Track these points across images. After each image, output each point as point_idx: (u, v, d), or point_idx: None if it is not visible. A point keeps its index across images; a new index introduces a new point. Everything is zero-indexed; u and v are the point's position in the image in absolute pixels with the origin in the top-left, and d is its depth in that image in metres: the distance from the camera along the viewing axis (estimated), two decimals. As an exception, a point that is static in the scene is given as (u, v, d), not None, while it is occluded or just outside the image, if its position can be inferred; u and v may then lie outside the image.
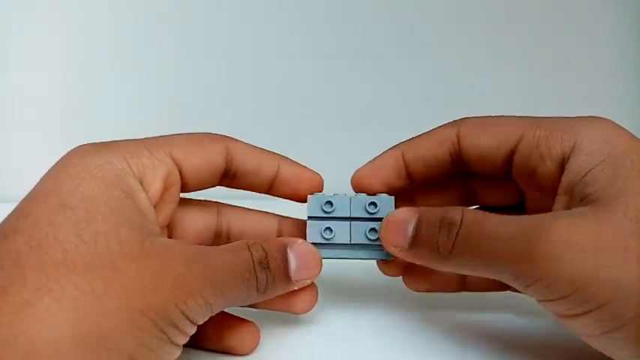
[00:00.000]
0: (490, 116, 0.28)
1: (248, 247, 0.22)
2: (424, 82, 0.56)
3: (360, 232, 0.27)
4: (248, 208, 0.29)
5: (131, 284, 0.19)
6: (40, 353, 0.16)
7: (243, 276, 0.21)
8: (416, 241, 0.24)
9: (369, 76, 0.55)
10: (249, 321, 0.26)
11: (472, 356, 0.25)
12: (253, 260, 0.22)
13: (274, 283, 0.23)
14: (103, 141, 0.24)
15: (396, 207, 0.27)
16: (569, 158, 0.24)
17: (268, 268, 0.22)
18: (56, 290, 0.17)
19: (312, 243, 0.27)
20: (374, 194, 0.27)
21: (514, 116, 0.27)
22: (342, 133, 0.56)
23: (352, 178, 0.28)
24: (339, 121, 0.56)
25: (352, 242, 0.27)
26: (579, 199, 0.22)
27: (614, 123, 0.25)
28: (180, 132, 0.26)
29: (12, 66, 0.54)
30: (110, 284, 0.19)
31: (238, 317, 0.26)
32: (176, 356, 0.21)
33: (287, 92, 0.56)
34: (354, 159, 0.55)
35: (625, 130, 0.24)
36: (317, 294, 0.27)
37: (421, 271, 0.28)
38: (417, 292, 0.29)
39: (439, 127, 0.28)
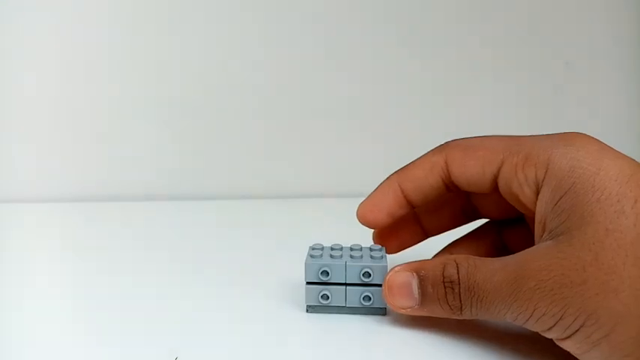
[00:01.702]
0: (474, 138, 0.28)
1: None
2: (425, 82, 0.55)
3: (354, 297, 0.29)
4: None
5: None
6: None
7: None
8: (425, 300, 0.26)
9: (368, 76, 0.55)
10: None
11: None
12: None
13: None
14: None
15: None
16: (541, 187, 0.25)
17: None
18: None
19: (310, 305, 0.29)
20: (371, 262, 0.29)
21: (496, 137, 0.28)
22: (341, 133, 0.56)
23: (357, 213, 0.30)
24: (339, 121, 0.56)
25: (347, 306, 0.29)
26: (549, 230, 0.24)
27: (588, 140, 0.25)
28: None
29: (12, 66, 0.54)
30: None
31: None
32: None
33: (286, 92, 0.55)
34: (354, 159, 0.56)
35: (597, 146, 0.24)
36: None
37: (392, 236, 0.32)
38: None
39: (427, 153, 0.29)
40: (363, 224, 0.30)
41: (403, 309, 0.27)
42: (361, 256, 0.29)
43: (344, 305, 0.29)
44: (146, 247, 0.42)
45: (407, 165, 0.29)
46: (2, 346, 0.27)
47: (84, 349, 0.27)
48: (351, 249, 0.30)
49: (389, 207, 0.29)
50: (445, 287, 0.25)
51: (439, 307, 0.26)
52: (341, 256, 0.29)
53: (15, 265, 0.39)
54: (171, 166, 0.56)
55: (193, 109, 0.56)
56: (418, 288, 0.26)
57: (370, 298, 0.28)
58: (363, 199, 0.30)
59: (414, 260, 0.27)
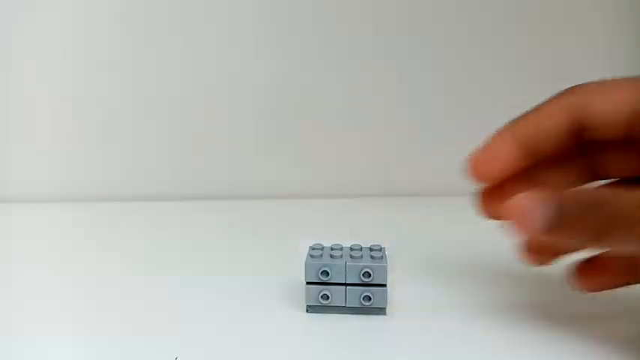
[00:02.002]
0: (603, 80, 0.26)
1: None
2: (425, 81, 0.55)
3: (354, 297, 0.28)
4: None
5: None
6: None
7: None
8: (556, 223, 0.23)
9: (369, 76, 0.55)
10: None
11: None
12: None
13: None
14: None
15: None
16: None
17: None
18: None
19: (310, 305, 0.29)
20: (371, 262, 0.28)
21: (629, 77, 0.26)
22: (341, 133, 0.56)
23: (470, 163, 0.27)
24: (340, 121, 0.56)
25: (347, 306, 0.29)
26: None
27: None
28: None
29: (12, 66, 0.54)
30: None
31: None
32: None
33: (287, 92, 0.56)
34: (354, 160, 0.56)
35: None
36: None
37: (501, 195, 0.27)
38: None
39: (551, 99, 0.27)
40: (473, 177, 0.27)
41: (529, 231, 0.24)
42: (361, 256, 0.29)
43: (344, 305, 0.29)
44: (145, 247, 0.42)
45: (522, 115, 0.27)
46: (2, 346, 0.27)
47: (84, 349, 0.27)
48: (351, 249, 0.30)
49: (507, 157, 0.26)
50: (584, 210, 0.22)
51: (574, 233, 0.23)
52: (341, 256, 0.29)
53: (15, 265, 0.39)
54: (170, 166, 0.56)
55: (193, 109, 0.56)
56: (551, 210, 0.23)
57: (370, 298, 0.28)
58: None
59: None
